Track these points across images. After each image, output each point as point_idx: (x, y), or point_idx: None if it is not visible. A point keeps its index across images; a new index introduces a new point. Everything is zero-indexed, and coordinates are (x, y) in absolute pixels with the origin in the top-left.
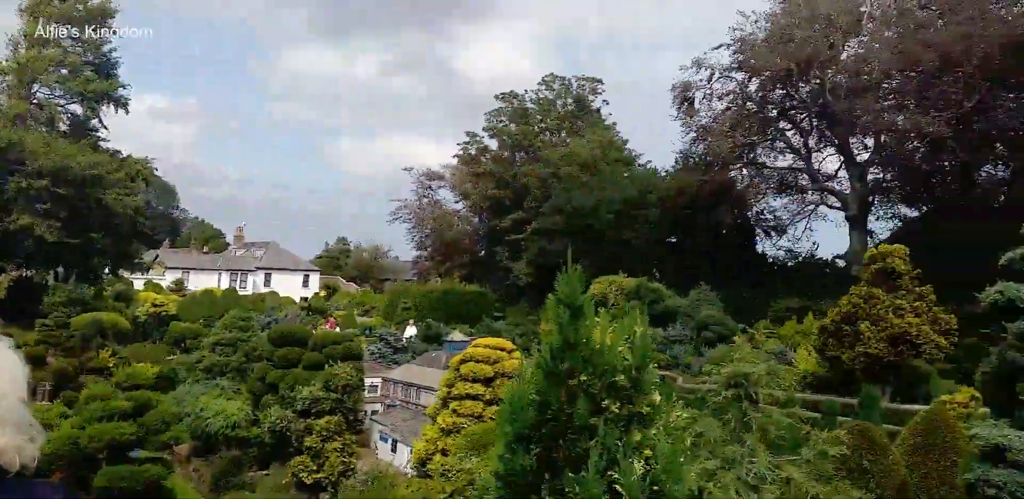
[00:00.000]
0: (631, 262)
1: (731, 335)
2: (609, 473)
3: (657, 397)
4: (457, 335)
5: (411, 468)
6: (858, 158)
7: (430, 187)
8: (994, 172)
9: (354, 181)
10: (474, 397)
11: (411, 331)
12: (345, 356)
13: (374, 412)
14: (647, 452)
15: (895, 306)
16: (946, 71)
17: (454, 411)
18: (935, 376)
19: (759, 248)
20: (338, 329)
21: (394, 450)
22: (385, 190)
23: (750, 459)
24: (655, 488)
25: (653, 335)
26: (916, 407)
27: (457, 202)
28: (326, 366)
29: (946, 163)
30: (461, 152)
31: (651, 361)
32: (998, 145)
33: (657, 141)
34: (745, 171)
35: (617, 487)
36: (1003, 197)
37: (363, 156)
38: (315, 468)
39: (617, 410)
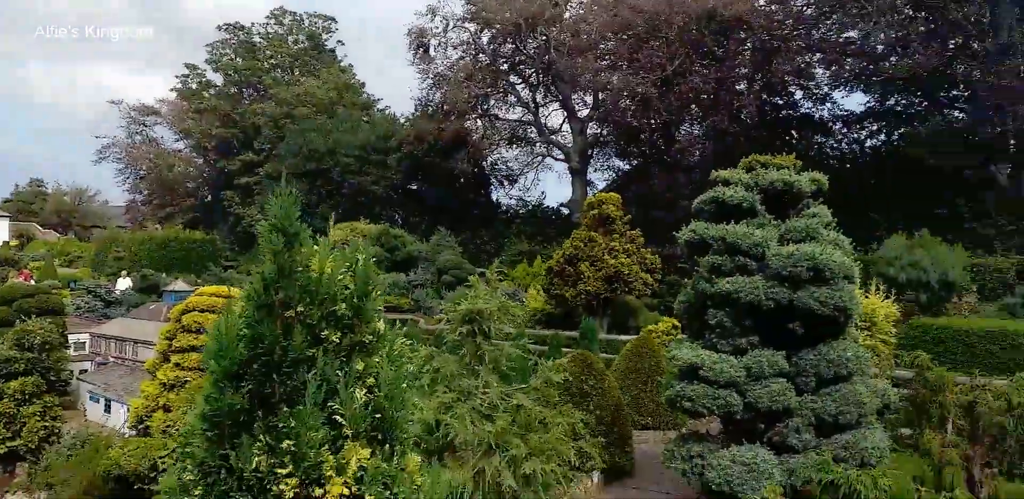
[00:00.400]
0: (373, 208)
1: (469, 278)
2: (330, 404)
3: (381, 325)
4: (180, 285)
5: (128, 428)
6: (579, 114)
7: (144, 124)
8: (691, 130)
9: (48, 116)
10: (199, 349)
11: (125, 283)
12: (42, 311)
13: (83, 371)
14: (370, 380)
15: (610, 248)
16: (653, 36)
17: (176, 364)
18: (643, 309)
19: (494, 196)
20: (33, 282)
21: (108, 410)
22: (89, 126)
23: (484, 390)
24: (378, 415)
25: (396, 280)
26: (627, 337)
27: (177, 141)
28: (17, 322)
29: (653, 121)
30: (180, 86)
31: (375, 289)
32: (694, 107)
33: (396, 86)
34: (480, 122)
35: (337, 418)
36: (698, 154)
37: (59, 87)
38: (10, 435)
39: (338, 340)
